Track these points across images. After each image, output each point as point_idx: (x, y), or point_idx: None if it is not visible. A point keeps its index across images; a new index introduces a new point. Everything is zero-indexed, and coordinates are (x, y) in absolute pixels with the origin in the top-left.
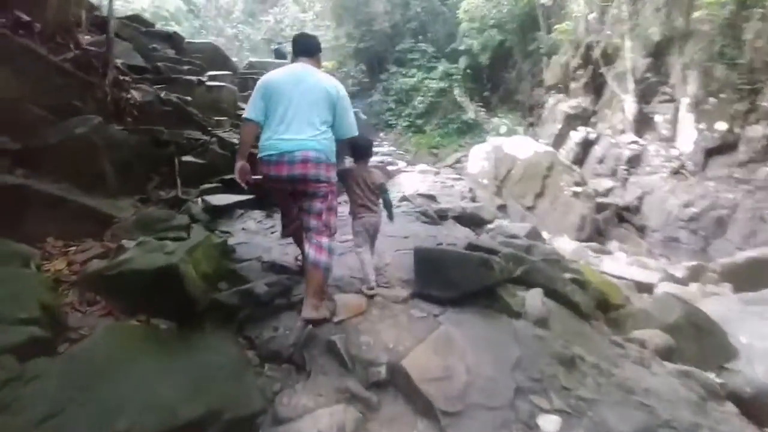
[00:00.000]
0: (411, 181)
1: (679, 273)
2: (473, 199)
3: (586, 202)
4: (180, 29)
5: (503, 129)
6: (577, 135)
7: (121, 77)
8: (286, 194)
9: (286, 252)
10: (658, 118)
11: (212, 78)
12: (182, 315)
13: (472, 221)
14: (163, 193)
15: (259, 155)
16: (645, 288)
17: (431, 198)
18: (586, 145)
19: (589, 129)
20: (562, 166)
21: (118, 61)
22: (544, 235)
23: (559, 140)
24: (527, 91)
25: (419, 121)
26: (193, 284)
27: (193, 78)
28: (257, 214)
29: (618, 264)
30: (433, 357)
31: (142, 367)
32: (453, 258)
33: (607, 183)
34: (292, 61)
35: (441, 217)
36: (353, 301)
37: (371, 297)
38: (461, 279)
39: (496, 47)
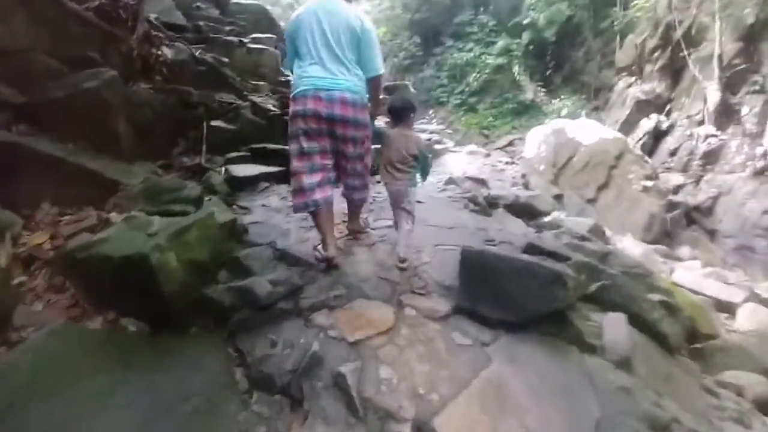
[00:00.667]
0: (458, 161)
1: (766, 293)
2: (526, 186)
3: (656, 198)
4: None
5: (564, 112)
6: (647, 123)
7: (154, 32)
8: (322, 134)
9: (305, 238)
10: (744, 111)
11: (255, 41)
12: (158, 316)
13: (526, 212)
14: (188, 160)
15: (292, 93)
16: (725, 308)
17: (481, 182)
18: (658, 135)
19: (661, 117)
20: (633, 156)
21: (152, 16)
22: (606, 232)
23: (626, 128)
24: (594, 72)
25: (472, 100)
26: (169, 279)
27: (234, 39)
28: (283, 189)
29: (693, 275)
30: (479, 416)
31: (79, 392)
32: (513, 268)
33: (677, 179)
34: None
35: (491, 204)
36: (377, 315)
37: (402, 269)
38: (523, 297)
39: (564, 22)
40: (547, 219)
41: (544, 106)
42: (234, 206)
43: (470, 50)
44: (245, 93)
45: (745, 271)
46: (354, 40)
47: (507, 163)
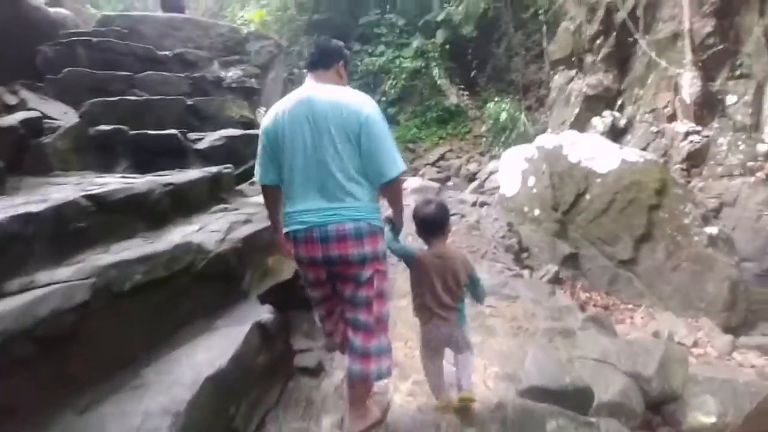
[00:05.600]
0: (408, 210)
1: None
2: (521, 248)
3: (729, 255)
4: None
5: (503, 116)
6: (601, 122)
7: None
8: (323, 283)
9: None
10: (730, 100)
11: None
12: None
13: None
14: None
15: (284, 230)
16: None
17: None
18: (616, 134)
19: (615, 113)
20: (682, 189)
21: None
22: (665, 324)
23: (576, 129)
24: (521, 68)
25: (391, 110)
26: None
27: None
28: None
29: None
30: None
31: None
32: None
33: None
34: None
35: None
36: None
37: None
38: None
39: (481, 16)
40: None
41: (471, 111)
42: None
43: (382, 54)
44: None
45: None
46: (353, 138)
47: (474, 204)
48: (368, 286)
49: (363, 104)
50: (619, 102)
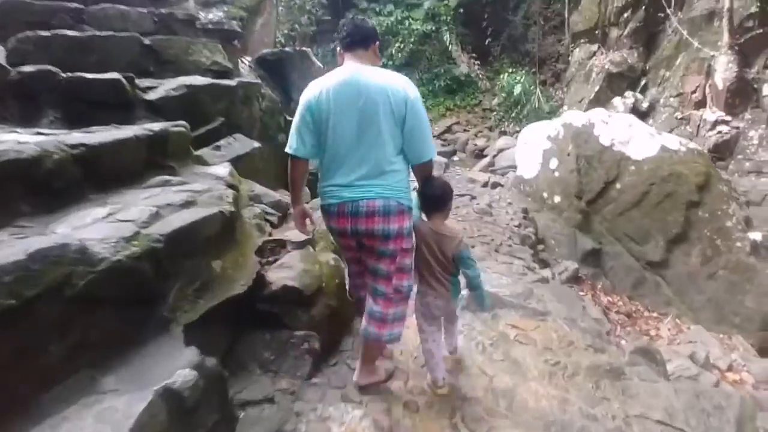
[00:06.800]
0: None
1: None
2: (538, 239)
3: None
4: None
5: (518, 90)
6: (622, 102)
7: None
8: (353, 248)
9: None
10: (766, 90)
11: None
12: None
13: None
14: None
15: (320, 203)
16: None
17: None
18: (637, 117)
19: (637, 95)
20: (726, 187)
21: None
22: (695, 339)
23: (593, 108)
24: (538, 39)
25: None
26: None
27: None
28: None
29: None
30: None
31: None
32: None
33: None
34: (340, 56)
35: None
36: None
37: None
38: None
39: None
40: None
41: (481, 82)
42: None
43: (390, 14)
44: None
45: None
46: (398, 120)
47: (486, 185)
48: (390, 261)
49: (407, 88)
50: (643, 82)
